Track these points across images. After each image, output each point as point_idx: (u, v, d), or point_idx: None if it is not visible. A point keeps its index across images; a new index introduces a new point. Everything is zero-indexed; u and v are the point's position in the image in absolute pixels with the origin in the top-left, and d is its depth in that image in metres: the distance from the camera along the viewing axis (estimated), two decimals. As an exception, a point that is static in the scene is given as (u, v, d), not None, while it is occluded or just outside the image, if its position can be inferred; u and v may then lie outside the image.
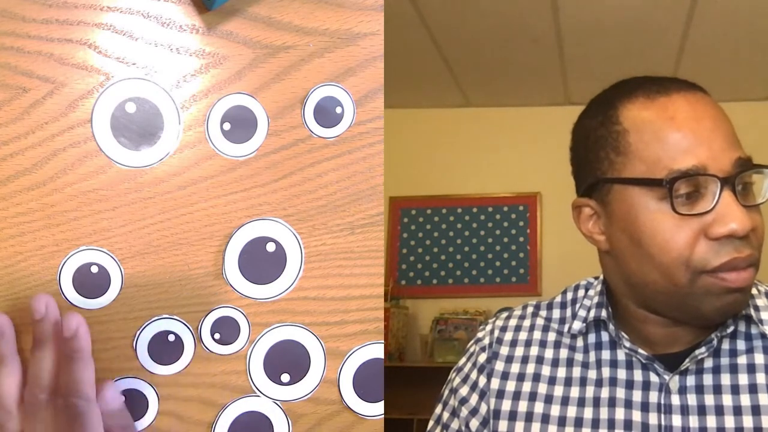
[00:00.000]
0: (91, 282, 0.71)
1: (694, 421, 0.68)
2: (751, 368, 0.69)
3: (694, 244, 0.65)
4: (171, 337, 0.73)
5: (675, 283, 0.66)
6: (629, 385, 0.71)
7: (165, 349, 0.73)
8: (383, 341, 0.76)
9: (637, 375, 0.71)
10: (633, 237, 0.68)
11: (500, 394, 0.76)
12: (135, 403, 0.72)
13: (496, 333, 0.81)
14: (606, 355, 0.73)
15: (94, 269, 0.71)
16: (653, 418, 0.69)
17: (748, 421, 0.67)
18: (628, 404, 0.70)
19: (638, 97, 0.69)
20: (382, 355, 0.77)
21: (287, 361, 0.75)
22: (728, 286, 0.65)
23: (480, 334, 0.83)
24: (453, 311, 3.31)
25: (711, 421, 0.67)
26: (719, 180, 0.64)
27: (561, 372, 0.75)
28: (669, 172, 0.65)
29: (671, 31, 2.66)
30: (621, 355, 0.73)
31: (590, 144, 0.71)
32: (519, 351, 0.78)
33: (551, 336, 0.78)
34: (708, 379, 0.69)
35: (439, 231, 3.52)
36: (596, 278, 0.79)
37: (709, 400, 0.68)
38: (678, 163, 0.65)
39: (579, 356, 0.75)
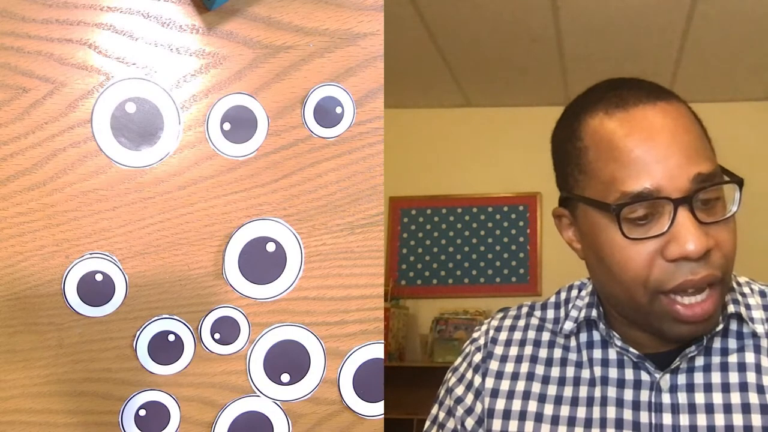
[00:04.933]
0: (95, 291, 0.71)
1: (684, 420, 0.68)
2: (742, 367, 0.69)
3: (651, 265, 0.64)
4: (171, 337, 0.73)
5: (636, 302, 0.66)
6: (620, 383, 0.71)
7: (165, 349, 0.73)
8: (383, 341, 0.76)
9: (629, 374, 0.71)
10: (597, 253, 0.68)
11: (495, 393, 0.76)
12: (157, 414, 0.72)
13: (491, 333, 0.81)
14: (598, 354, 0.74)
15: (99, 277, 0.71)
16: (644, 417, 0.69)
17: (738, 420, 0.67)
18: (620, 403, 0.70)
19: (598, 112, 0.68)
20: (382, 355, 0.77)
21: (287, 361, 0.75)
22: (681, 320, 0.64)
23: (475, 335, 0.83)
24: (453, 311, 3.31)
25: (701, 419, 0.67)
26: (672, 201, 0.63)
27: (555, 371, 0.75)
28: (620, 195, 0.64)
29: (671, 31, 2.66)
30: (612, 354, 0.73)
31: (560, 158, 0.72)
32: (513, 350, 0.79)
33: (545, 336, 0.78)
34: (699, 378, 0.69)
35: (439, 231, 3.52)
36: (590, 279, 0.79)
37: (700, 398, 0.68)
38: (630, 186, 0.63)
39: (572, 356, 0.75)
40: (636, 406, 0.70)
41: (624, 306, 0.69)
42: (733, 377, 0.69)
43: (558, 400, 0.73)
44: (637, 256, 0.65)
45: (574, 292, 0.80)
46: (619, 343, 0.71)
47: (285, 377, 0.75)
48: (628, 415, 0.70)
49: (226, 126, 0.74)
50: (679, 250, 0.63)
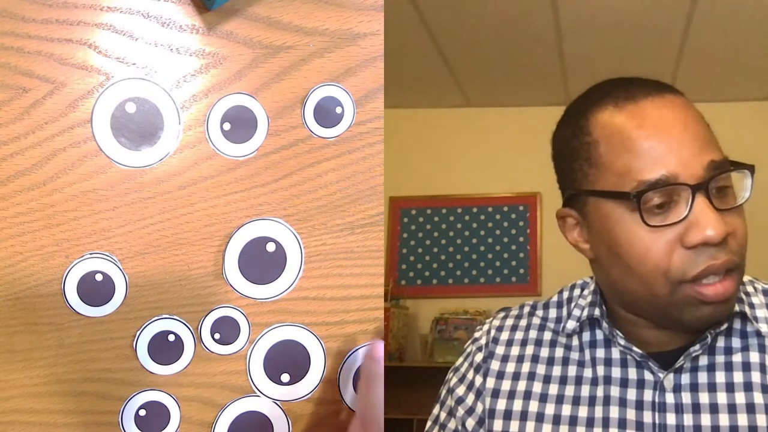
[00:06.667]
0: (95, 291, 0.71)
1: (688, 419, 0.68)
2: (746, 366, 0.69)
3: (670, 254, 0.64)
4: (171, 337, 0.73)
5: (655, 294, 0.66)
6: (624, 383, 0.71)
7: (165, 349, 0.73)
8: (383, 341, 0.76)
9: (632, 373, 0.71)
10: (611, 248, 0.68)
11: (496, 393, 0.76)
12: (157, 414, 0.72)
13: (493, 333, 0.81)
14: (601, 353, 0.74)
15: (99, 277, 0.71)
16: (647, 417, 0.69)
17: (742, 420, 0.66)
18: (623, 402, 0.70)
19: (607, 106, 0.68)
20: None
21: (287, 361, 0.75)
22: (706, 300, 0.65)
23: (477, 334, 0.83)
24: (453, 311, 3.31)
25: (705, 419, 0.67)
26: (690, 187, 0.63)
27: (556, 371, 0.75)
28: (638, 184, 0.64)
29: (671, 31, 2.66)
30: (615, 353, 0.73)
31: (565, 155, 0.72)
32: (515, 350, 0.78)
33: (547, 335, 0.78)
34: (703, 377, 0.69)
35: (439, 231, 3.52)
36: (592, 278, 0.79)
37: (704, 398, 0.68)
38: (647, 174, 0.64)
39: (574, 355, 0.75)
40: (639, 405, 0.70)
41: (641, 300, 0.68)
42: (738, 377, 0.68)
43: (560, 400, 0.73)
44: (656, 245, 0.65)
45: (577, 291, 0.80)
46: (622, 342, 0.71)
47: (285, 377, 0.75)
48: (631, 414, 0.70)
49: (226, 126, 0.74)
50: (699, 235, 0.63)
